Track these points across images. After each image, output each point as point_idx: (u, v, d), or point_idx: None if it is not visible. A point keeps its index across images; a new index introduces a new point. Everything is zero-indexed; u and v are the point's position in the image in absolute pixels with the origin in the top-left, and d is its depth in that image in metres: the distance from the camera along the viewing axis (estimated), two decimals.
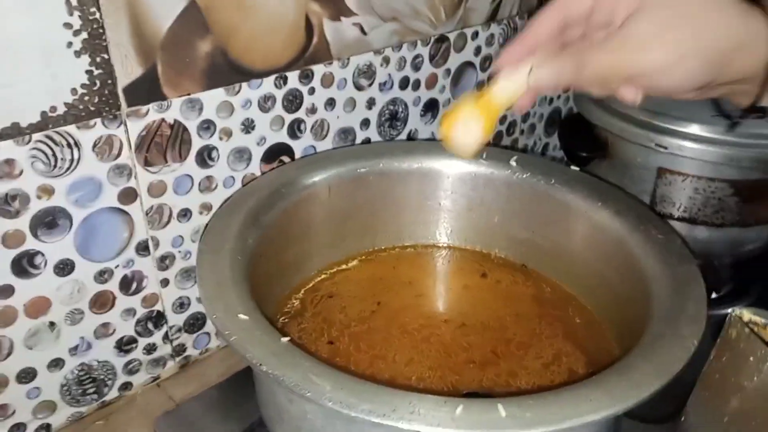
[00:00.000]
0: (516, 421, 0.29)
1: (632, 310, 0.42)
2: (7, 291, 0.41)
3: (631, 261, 0.43)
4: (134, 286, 0.48)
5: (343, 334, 0.47)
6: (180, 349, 0.53)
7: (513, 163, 0.52)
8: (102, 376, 0.49)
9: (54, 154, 0.40)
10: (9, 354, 0.43)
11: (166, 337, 0.52)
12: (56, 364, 0.46)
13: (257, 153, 0.51)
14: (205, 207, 0.50)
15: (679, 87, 0.33)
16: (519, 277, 0.54)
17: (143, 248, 0.47)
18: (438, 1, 0.59)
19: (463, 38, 0.63)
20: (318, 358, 0.44)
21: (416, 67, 0.60)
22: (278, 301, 0.50)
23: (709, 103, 0.55)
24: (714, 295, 0.60)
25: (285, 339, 0.34)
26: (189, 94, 0.45)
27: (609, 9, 0.34)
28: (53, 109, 0.40)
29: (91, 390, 0.49)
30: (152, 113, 0.44)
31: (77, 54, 0.39)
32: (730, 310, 0.32)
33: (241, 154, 0.50)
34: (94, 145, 0.42)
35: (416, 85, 0.62)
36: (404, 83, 0.60)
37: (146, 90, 0.43)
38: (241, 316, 0.35)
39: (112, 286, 0.47)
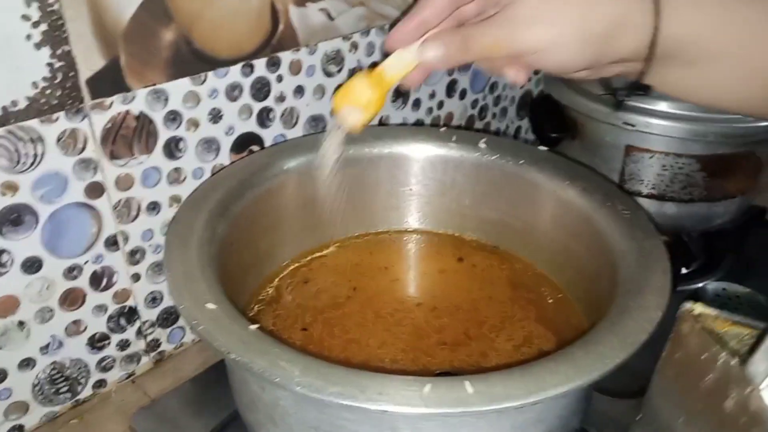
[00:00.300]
0: (483, 397, 0.29)
1: (600, 286, 0.42)
2: None
3: (598, 237, 0.44)
4: (105, 281, 0.47)
5: (317, 320, 0.47)
6: (154, 345, 0.53)
7: (482, 145, 0.52)
8: (75, 375, 0.48)
9: (17, 150, 0.40)
10: None
11: (139, 332, 0.51)
12: (27, 363, 0.45)
13: (226, 143, 0.51)
14: (175, 199, 0.49)
15: (563, 65, 0.34)
16: (495, 260, 0.54)
17: (112, 243, 0.47)
18: None
19: None
20: (292, 344, 0.45)
21: (385, 53, 0.60)
22: (253, 289, 0.49)
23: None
24: (684, 270, 0.61)
25: (254, 326, 0.34)
26: (154, 85, 0.45)
27: None
28: (14, 103, 0.39)
29: (65, 389, 0.48)
30: (117, 105, 0.43)
31: (37, 46, 0.39)
32: (681, 305, 0.30)
33: (210, 145, 0.50)
34: (58, 140, 0.41)
35: None
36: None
37: (110, 82, 0.43)
38: (209, 305, 0.35)
39: (82, 282, 0.46)
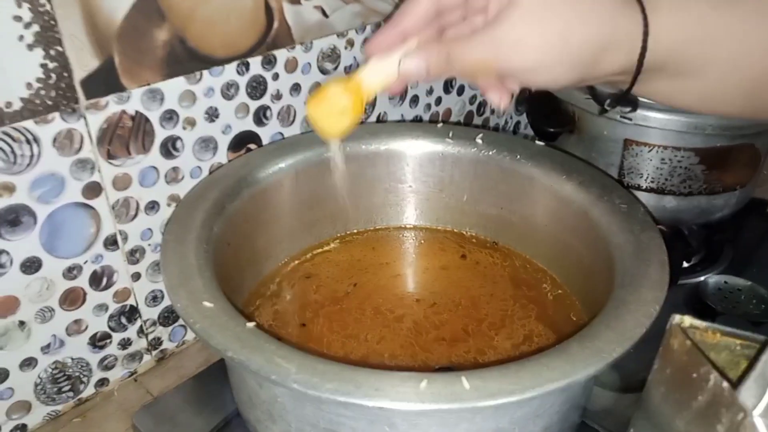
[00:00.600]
0: (480, 392, 0.29)
1: (598, 280, 0.42)
2: None
3: (595, 231, 0.44)
4: (105, 281, 0.48)
5: (317, 315, 0.47)
6: (156, 343, 0.53)
7: (479, 140, 0.52)
8: (77, 374, 0.49)
9: (13, 151, 0.40)
10: None
11: (140, 331, 0.52)
12: (29, 363, 0.45)
13: (223, 142, 0.51)
14: (173, 198, 0.49)
15: (549, 85, 0.34)
16: (498, 257, 0.54)
17: (112, 242, 0.47)
18: None
19: None
20: (291, 340, 0.45)
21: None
22: (252, 287, 0.50)
23: None
24: (686, 264, 0.61)
25: (251, 324, 0.34)
26: (149, 84, 0.45)
27: None
28: (8, 104, 0.39)
29: (67, 388, 0.48)
30: (112, 105, 0.43)
31: (30, 47, 0.39)
32: (670, 318, 0.28)
33: (207, 144, 0.50)
34: (54, 140, 0.41)
35: None
36: None
37: (104, 82, 0.43)
38: (206, 303, 0.35)
39: (82, 282, 0.46)
